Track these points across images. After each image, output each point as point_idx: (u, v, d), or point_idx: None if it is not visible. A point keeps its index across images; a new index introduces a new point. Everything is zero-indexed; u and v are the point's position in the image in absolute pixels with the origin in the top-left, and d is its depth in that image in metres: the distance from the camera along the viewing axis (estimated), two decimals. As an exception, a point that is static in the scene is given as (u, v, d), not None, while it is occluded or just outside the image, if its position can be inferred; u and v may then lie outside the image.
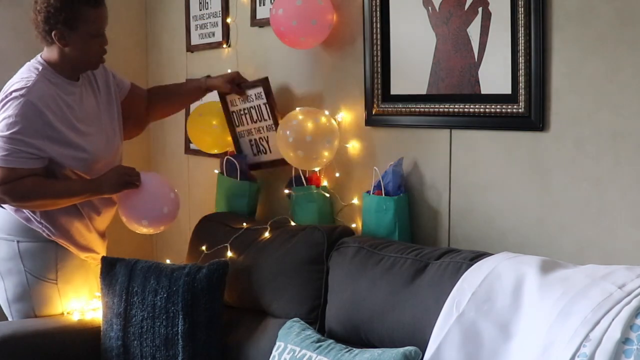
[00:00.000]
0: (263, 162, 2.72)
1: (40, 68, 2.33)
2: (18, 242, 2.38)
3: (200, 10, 3.12)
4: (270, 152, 2.68)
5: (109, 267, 2.38)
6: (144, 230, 2.51)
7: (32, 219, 2.36)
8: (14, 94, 2.24)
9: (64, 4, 2.26)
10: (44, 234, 2.38)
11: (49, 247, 2.40)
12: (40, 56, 2.39)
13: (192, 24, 3.18)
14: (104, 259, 2.41)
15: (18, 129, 2.20)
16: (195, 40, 3.17)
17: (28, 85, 2.26)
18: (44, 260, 2.40)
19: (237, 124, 2.75)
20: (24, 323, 2.39)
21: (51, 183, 2.30)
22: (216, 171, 2.98)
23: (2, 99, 2.27)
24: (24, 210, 2.35)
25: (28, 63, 2.39)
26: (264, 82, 2.62)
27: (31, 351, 2.26)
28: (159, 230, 2.55)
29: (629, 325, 1.48)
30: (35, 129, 2.23)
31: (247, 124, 2.72)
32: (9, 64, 2.62)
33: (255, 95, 2.64)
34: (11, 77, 2.42)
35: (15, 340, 2.24)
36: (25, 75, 2.31)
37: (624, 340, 1.46)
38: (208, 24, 3.08)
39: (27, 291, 2.40)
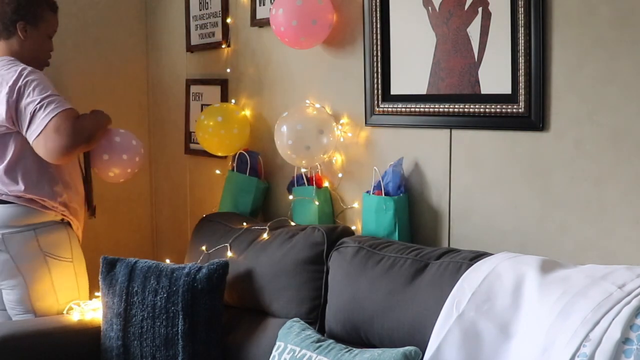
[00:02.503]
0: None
1: (14, 59, 2.51)
2: (35, 229, 2.48)
3: (200, 10, 3.12)
4: None
5: (109, 267, 2.38)
6: (116, 171, 2.63)
7: (48, 203, 2.49)
8: (24, 73, 2.41)
9: (32, 0, 2.52)
10: (60, 214, 2.54)
11: (62, 228, 2.56)
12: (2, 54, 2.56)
13: (192, 24, 3.17)
14: (104, 258, 2.41)
15: (52, 90, 2.42)
16: (195, 40, 3.17)
17: (23, 65, 2.45)
18: (60, 241, 2.55)
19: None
20: (24, 323, 2.40)
21: (91, 116, 2.54)
22: (218, 172, 2.99)
23: (17, 84, 2.39)
24: (37, 199, 2.47)
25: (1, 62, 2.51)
26: None
27: (31, 351, 2.26)
28: (130, 169, 2.67)
29: (629, 325, 1.48)
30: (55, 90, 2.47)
31: None
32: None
33: None
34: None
35: (15, 340, 2.25)
36: (11, 67, 2.45)
37: (624, 340, 1.46)
38: (208, 24, 3.08)
39: (48, 273, 2.51)
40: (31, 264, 2.48)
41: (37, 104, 2.37)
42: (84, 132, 2.43)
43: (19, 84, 2.39)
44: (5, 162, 2.46)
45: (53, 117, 2.36)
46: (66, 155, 2.42)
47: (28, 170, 2.47)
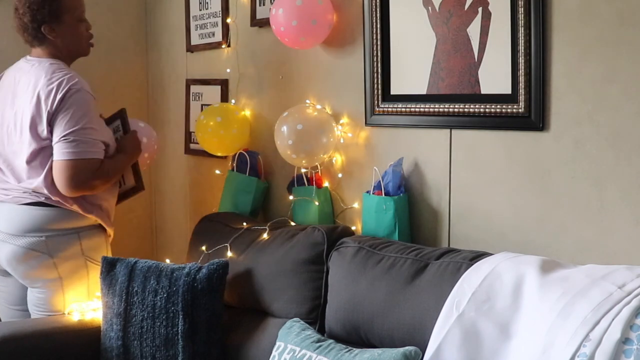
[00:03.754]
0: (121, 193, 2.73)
1: (61, 64, 2.45)
2: (79, 232, 2.49)
3: (200, 10, 3.12)
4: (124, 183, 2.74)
5: (109, 267, 2.38)
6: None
7: (92, 209, 2.49)
8: (72, 89, 2.35)
9: (42, 1, 2.41)
10: (100, 219, 2.53)
11: (101, 233, 2.57)
12: (40, 57, 2.48)
13: (192, 24, 3.17)
14: (104, 258, 2.41)
15: (88, 120, 2.36)
16: (195, 40, 3.17)
17: (76, 79, 2.38)
18: (99, 246, 2.56)
19: None
20: (24, 323, 2.39)
21: (111, 162, 2.48)
22: (218, 172, 2.99)
23: (58, 97, 2.33)
24: (81, 202, 2.46)
25: (45, 66, 2.43)
26: (121, 113, 2.70)
27: (31, 351, 2.26)
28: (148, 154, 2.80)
29: (629, 325, 1.48)
30: (97, 119, 2.44)
31: None
32: (9, 64, 2.62)
33: (114, 129, 2.69)
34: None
35: (15, 340, 2.25)
36: (60, 74, 2.39)
37: (624, 340, 1.46)
38: (208, 24, 3.08)
39: (86, 276, 2.52)
40: (72, 266, 2.48)
41: (68, 133, 2.32)
42: (90, 183, 2.38)
43: (58, 97, 2.33)
44: (47, 169, 2.41)
45: (69, 159, 2.32)
46: (71, 193, 2.38)
47: None
